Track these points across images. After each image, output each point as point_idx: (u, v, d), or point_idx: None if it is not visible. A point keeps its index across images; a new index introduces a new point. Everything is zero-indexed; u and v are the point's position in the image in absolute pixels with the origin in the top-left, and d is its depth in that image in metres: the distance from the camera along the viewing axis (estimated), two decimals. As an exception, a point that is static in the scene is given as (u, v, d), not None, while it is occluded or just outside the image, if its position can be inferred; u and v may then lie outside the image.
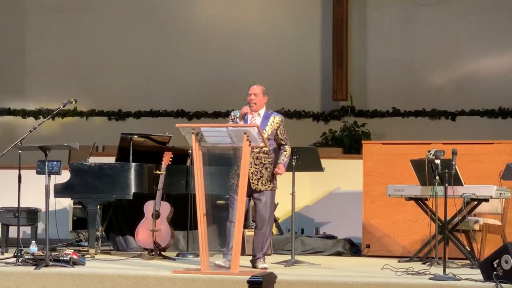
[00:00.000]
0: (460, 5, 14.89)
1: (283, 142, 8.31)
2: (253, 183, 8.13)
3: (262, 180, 8.17)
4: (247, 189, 7.98)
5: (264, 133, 8.11)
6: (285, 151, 8.31)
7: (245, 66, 15.25)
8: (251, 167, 8.08)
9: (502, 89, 14.66)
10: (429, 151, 8.27)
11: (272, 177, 8.25)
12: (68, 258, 8.05)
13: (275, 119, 8.28)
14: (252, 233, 8.91)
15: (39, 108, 15.79)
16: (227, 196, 9.27)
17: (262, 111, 8.30)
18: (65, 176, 9.22)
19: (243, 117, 8.15)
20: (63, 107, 9.26)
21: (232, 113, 8.38)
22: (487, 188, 8.74)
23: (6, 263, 8.21)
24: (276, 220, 10.73)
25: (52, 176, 8.40)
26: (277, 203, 10.50)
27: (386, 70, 15.14)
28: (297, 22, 15.47)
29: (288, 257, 8.86)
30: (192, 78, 15.51)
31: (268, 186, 8.21)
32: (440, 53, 14.96)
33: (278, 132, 8.26)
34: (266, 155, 8.20)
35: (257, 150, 8.09)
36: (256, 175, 8.15)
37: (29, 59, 15.87)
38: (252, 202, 8.49)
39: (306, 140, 14.13)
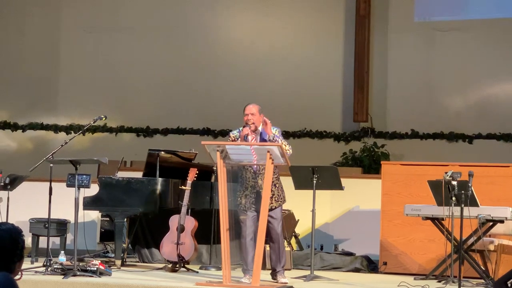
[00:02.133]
0: (478, 31, 14.84)
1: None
2: None
3: (274, 197, 8.28)
4: (256, 206, 8.14)
5: None
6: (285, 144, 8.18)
7: (269, 87, 15.26)
8: (260, 189, 8.16)
9: (519, 113, 14.63)
10: (446, 173, 8.30)
11: (281, 192, 8.38)
12: (95, 269, 8.18)
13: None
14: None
15: (70, 123, 15.85)
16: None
17: (260, 128, 8.34)
18: (94, 189, 9.34)
19: (245, 138, 8.21)
20: (93, 123, 9.43)
21: (231, 134, 8.46)
22: (502, 210, 8.73)
23: (36, 272, 8.36)
24: (296, 236, 10.76)
25: (82, 189, 8.54)
26: (298, 220, 10.65)
27: (405, 93, 15.11)
28: (320, 45, 15.51)
29: (307, 272, 8.93)
30: (218, 98, 15.55)
31: (280, 201, 8.35)
32: (458, 78, 14.92)
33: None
34: (273, 172, 8.21)
35: (263, 171, 8.08)
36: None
37: (62, 76, 15.98)
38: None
39: (327, 160, 14.12)
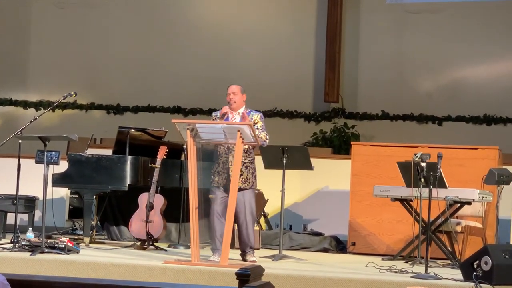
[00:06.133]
0: (449, 14, 14.91)
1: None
2: None
3: (242, 179, 8.23)
4: (225, 186, 8.16)
5: None
6: (261, 134, 8.27)
7: (240, 66, 15.26)
8: (231, 165, 8.15)
9: (488, 97, 14.70)
10: (415, 154, 8.31)
11: (252, 176, 8.35)
12: (63, 246, 8.17)
13: (254, 117, 8.35)
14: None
15: (40, 99, 15.77)
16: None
17: (241, 110, 8.38)
18: (63, 166, 9.32)
19: (223, 116, 8.25)
20: (63, 99, 9.37)
21: (213, 114, 8.55)
22: (470, 192, 8.82)
23: (3, 248, 8.31)
24: (265, 216, 10.80)
25: (51, 166, 8.50)
26: (267, 199, 10.68)
27: (376, 75, 15.17)
28: (293, 24, 15.50)
29: (276, 252, 8.95)
30: (189, 76, 15.52)
31: (247, 184, 8.31)
32: (429, 60, 15.00)
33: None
34: (247, 154, 8.29)
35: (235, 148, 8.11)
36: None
37: (32, 52, 15.89)
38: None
39: (297, 140, 14.20)
